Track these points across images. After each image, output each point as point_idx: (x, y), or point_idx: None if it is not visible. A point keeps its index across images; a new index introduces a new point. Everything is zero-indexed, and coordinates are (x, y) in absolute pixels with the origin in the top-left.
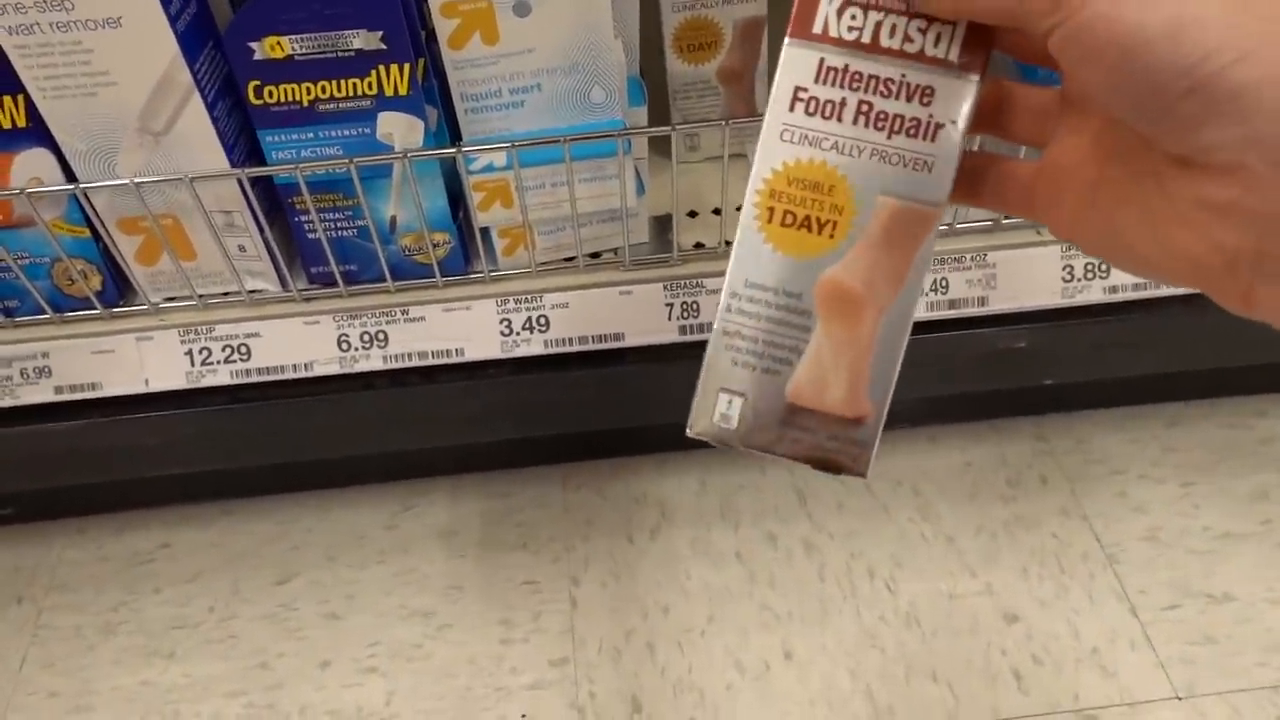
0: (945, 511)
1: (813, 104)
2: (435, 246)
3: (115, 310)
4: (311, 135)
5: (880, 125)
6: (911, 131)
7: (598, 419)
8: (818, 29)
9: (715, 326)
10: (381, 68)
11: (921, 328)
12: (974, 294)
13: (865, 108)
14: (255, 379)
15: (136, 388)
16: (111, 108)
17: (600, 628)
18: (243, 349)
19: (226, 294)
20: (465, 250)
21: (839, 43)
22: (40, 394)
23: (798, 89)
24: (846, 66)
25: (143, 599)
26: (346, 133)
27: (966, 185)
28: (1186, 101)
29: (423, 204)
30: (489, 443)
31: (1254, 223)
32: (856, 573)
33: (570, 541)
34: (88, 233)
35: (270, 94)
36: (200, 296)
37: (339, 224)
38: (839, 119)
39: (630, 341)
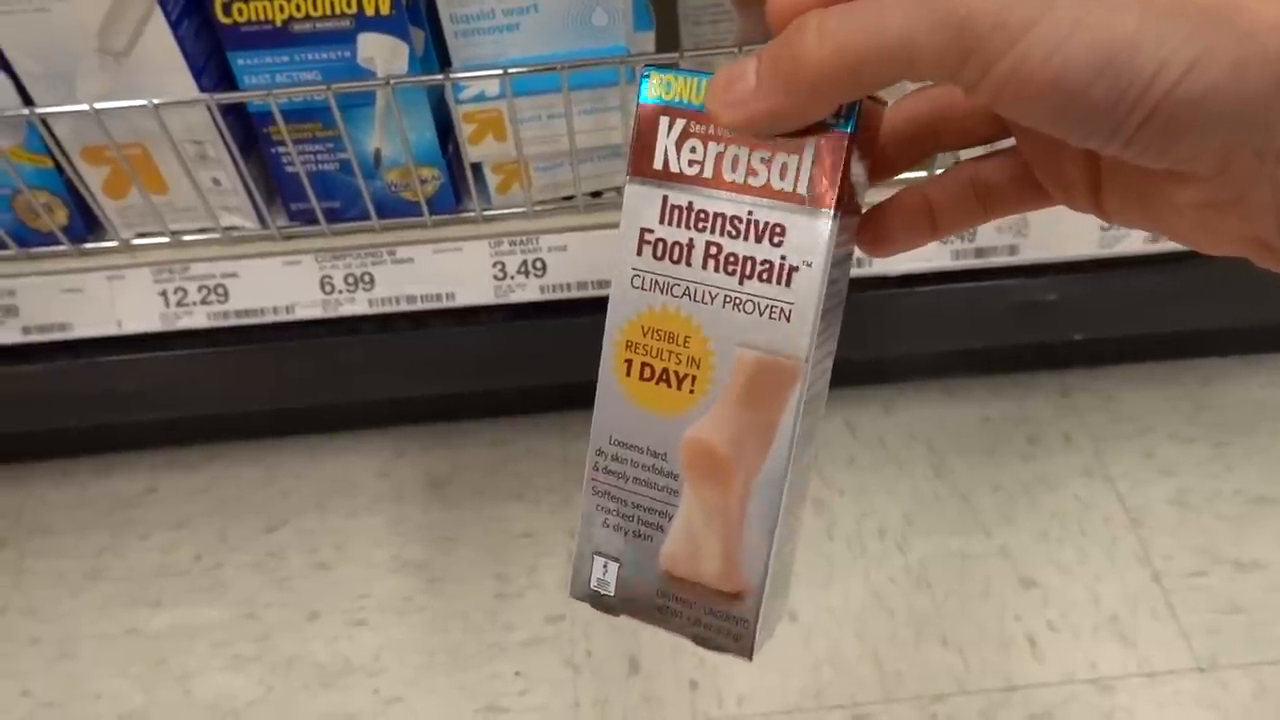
0: (961, 469)
1: (659, 247)
2: (423, 183)
3: (84, 247)
4: (286, 59)
5: (731, 269)
6: (764, 276)
7: (596, 369)
8: (658, 164)
9: (585, 484)
10: None
11: (945, 278)
12: (1004, 241)
13: (714, 249)
14: (234, 321)
15: (109, 329)
16: (67, 25)
17: None
18: (220, 290)
19: (202, 231)
20: (456, 187)
21: (680, 179)
22: (7, 334)
23: (644, 231)
24: (690, 204)
25: (128, 544)
26: (324, 56)
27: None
28: (1147, 129)
29: (409, 136)
30: (484, 389)
31: (1268, 210)
32: (866, 531)
33: (568, 492)
34: (50, 163)
35: (240, 11)
36: (174, 233)
37: (319, 157)
38: (687, 263)
39: None
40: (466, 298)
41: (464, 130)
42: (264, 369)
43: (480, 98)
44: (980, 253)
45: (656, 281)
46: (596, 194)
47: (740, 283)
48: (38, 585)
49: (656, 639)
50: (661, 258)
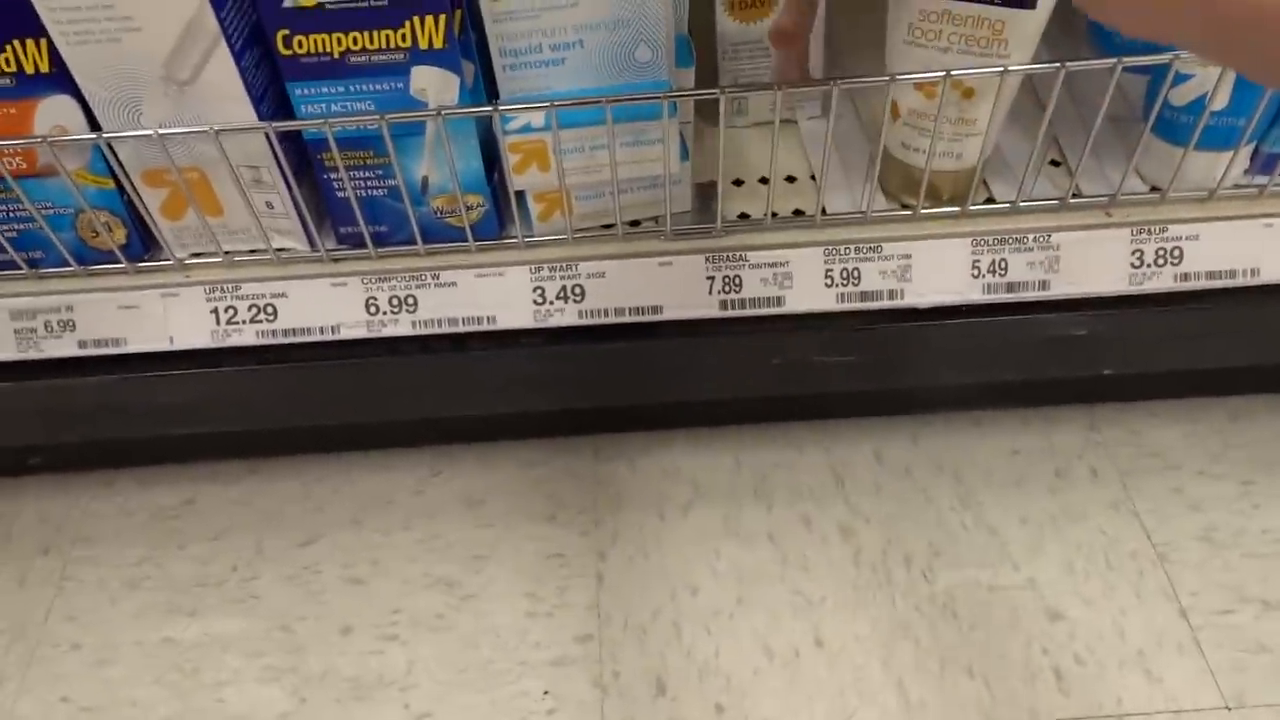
0: (988, 500)
1: None
2: (469, 209)
3: (140, 265)
4: (342, 89)
5: None
6: None
7: (631, 394)
8: None
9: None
10: (416, 19)
11: (976, 311)
12: (1035, 277)
13: None
14: (281, 340)
15: (161, 345)
16: (136, 54)
17: (626, 605)
18: (269, 309)
19: (253, 252)
20: (499, 214)
21: None
22: (64, 348)
23: None
24: None
25: (167, 554)
26: (378, 87)
27: None
28: None
29: (456, 164)
30: (520, 411)
31: None
32: (893, 560)
33: (599, 515)
34: (112, 184)
35: (300, 44)
36: (226, 253)
37: (369, 183)
38: None
39: (668, 315)
40: (506, 321)
41: (509, 160)
42: (308, 386)
43: (526, 129)
44: (1011, 287)
45: None
46: (635, 223)
47: None
48: (79, 593)
49: (684, 662)
50: None
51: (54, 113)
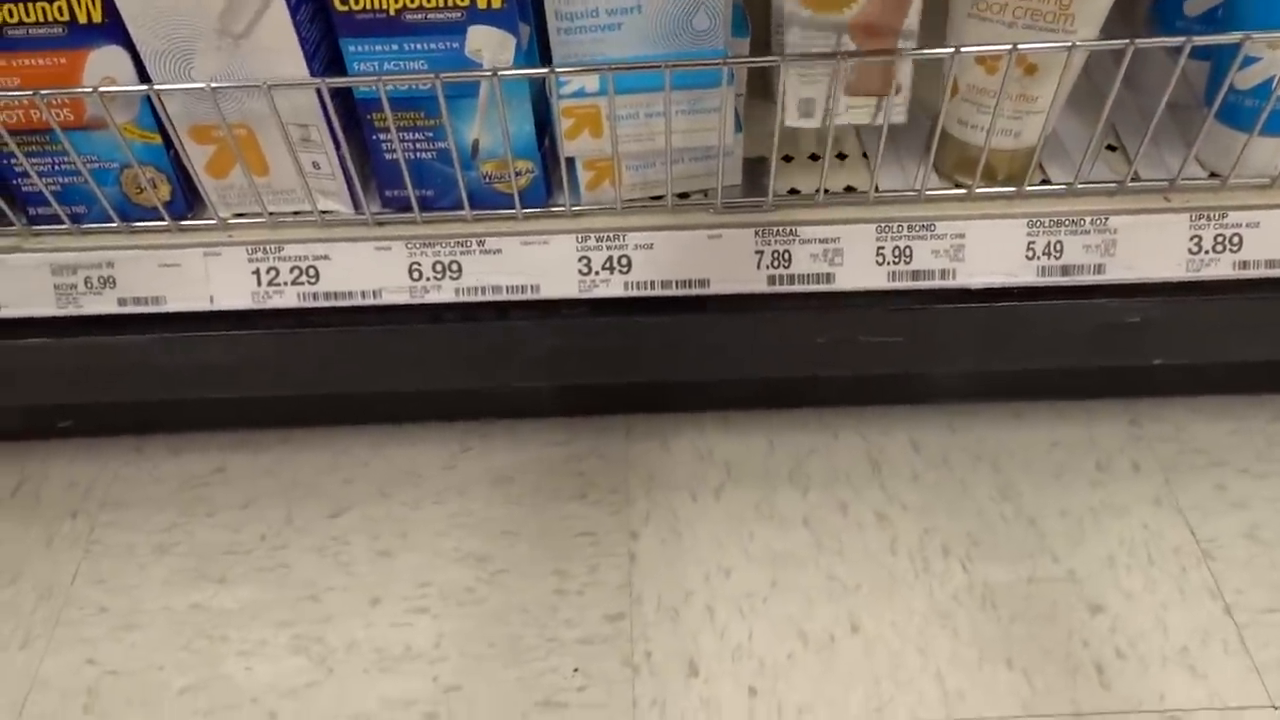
0: (1028, 491)
1: None
2: (518, 175)
3: (183, 223)
4: (396, 47)
5: None
6: None
7: (673, 369)
8: None
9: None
10: None
11: (1029, 294)
12: (1091, 260)
13: None
14: (322, 303)
15: (201, 304)
16: (192, 5)
17: (658, 585)
18: (311, 271)
19: (297, 213)
20: (548, 181)
21: None
22: (104, 305)
23: None
24: None
25: (195, 522)
26: (433, 46)
27: None
28: None
29: (508, 128)
30: (553, 387)
31: None
32: (930, 548)
33: (631, 494)
34: (159, 139)
35: (356, 0)
36: (271, 214)
37: (419, 145)
38: None
39: (715, 289)
40: (551, 291)
41: (561, 125)
42: (348, 351)
43: (580, 93)
44: (1066, 270)
45: None
46: (683, 196)
47: None
48: (107, 557)
49: (717, 644)
50: None
51: (104, 64)
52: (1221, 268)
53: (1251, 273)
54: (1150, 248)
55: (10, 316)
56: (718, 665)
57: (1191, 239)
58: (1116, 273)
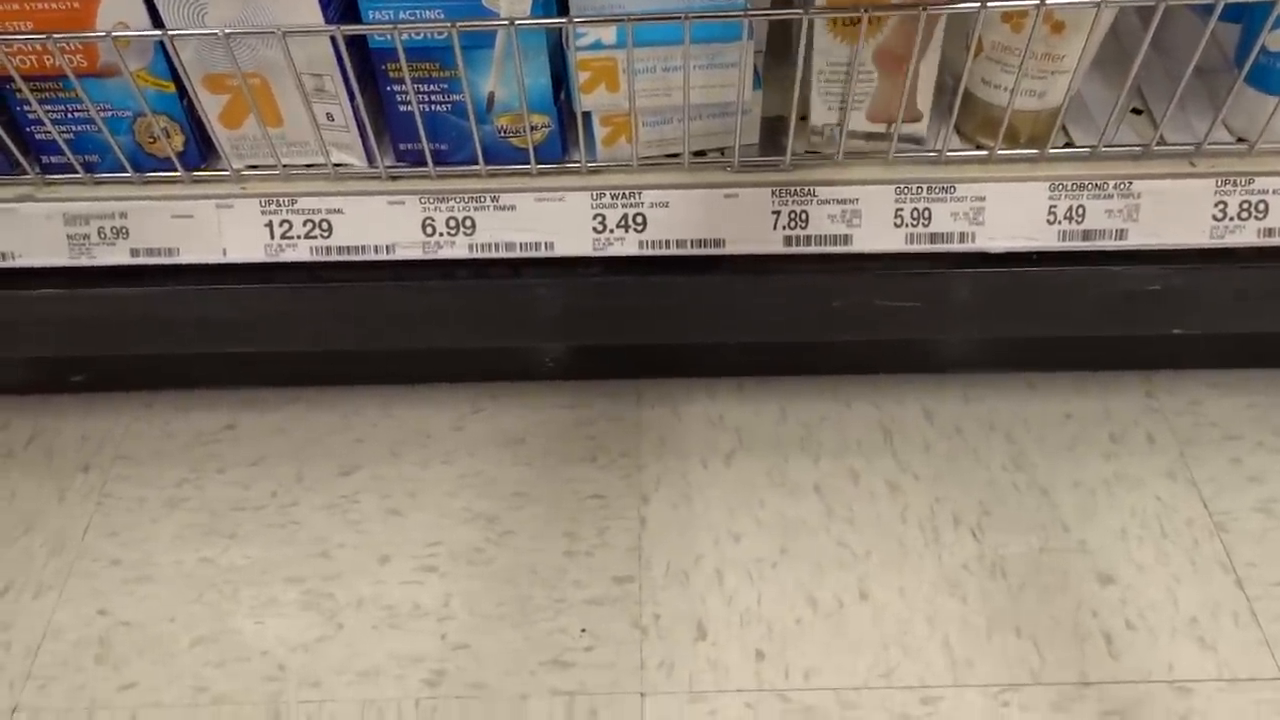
0: (1040, 462)
1: None
2: (533, 130)
3: (196, 174)
4: None
5: None
6: None
7: (687, 331)
8: None
9: (815, 84)
10: None
11: (1049, 259)
12: (1113, 225)
13: None
14: (335, 258)
15: (214, 257)
16: None
17: (668, 549)
18: (324, 225)
19: (310, 166)
20: (563, 137)
21: None
22: (116, 255)
23: None
24: None
25: (206, 478)
26: None
27: None
28: None
29: (524, 81)
30: (565, 349)
31: None
32: (941, 517)
33: (642, 459)
34: (173, 88)
35: None
36: (284, 166)
37: (434, 97)
38: None
39: (731, 249)
40: (565, 248)
41: (578, 78)
42: (360, 307)
43: (597, 45)
44: (1087, 235)
45: None
46: (700, 154)
47: None
48: (119, 510)
49: (725, 608)
50: None
51: (117, 9)
52: (1246, 235)
53: (1277, 240)
54: (1174, 214)
55: (23, 266)
56: (726, 629)
57: (1217, 205)
58: (1139, 239)
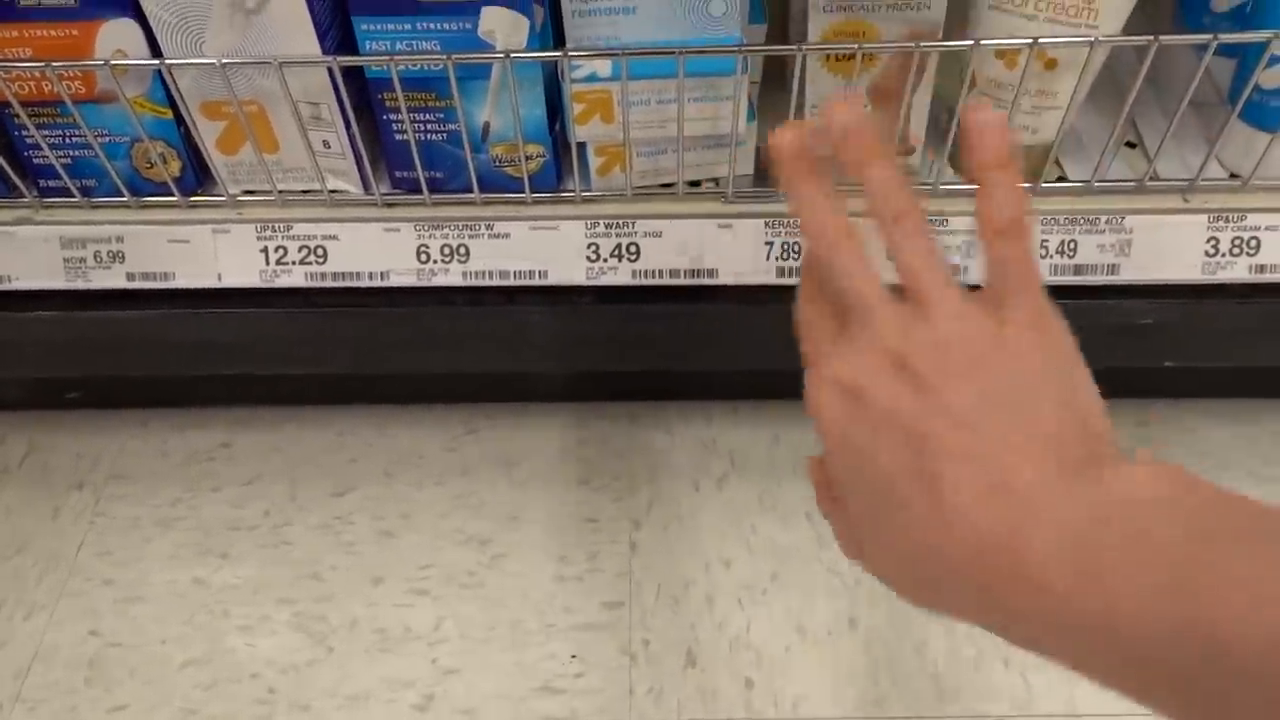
0: None
1: None
2: (528, 159)
3: (193, 199)
4: (409, 26)
5: None
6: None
7: (679, 359)
8: None
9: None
10: None
11: None
12: (1105, 260)
13: None
14: (330, 284)
15: (209, 282)
16: None
17: (659, 574)
18: (319, 251)
19: (306, 192)
20: (558, 166)
21: None
22: (112, 279)
23: None
24: None
25: (200, 497)
26: (446, 26)
27: None
28: None
29: (520, 111)
30: (559, 373)
31: None
32: None
33: (634, 482)
34: (170, 114)
35: None
36: (280, 192)
37: (429, 126)
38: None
39: (724, 279)
40: (558, 277)
41: (573, 110)
42: (354, 332)
43: (592, 78)
44: (1079, 269)
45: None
46: (694, 184)
47: None
48: (112, 529)
49: (715, 634)
50: None
51: (115, 37)
52: (1238, 271)
53: (1268, 276)
54: (1166, 249)
55: (20, 289)
56: (715, 656)
57: (1209, 241)
58: (1130, 274)
